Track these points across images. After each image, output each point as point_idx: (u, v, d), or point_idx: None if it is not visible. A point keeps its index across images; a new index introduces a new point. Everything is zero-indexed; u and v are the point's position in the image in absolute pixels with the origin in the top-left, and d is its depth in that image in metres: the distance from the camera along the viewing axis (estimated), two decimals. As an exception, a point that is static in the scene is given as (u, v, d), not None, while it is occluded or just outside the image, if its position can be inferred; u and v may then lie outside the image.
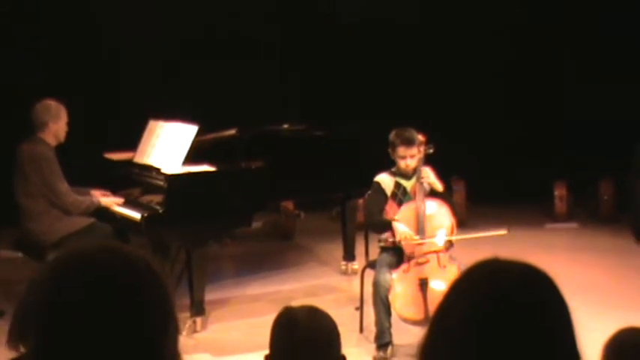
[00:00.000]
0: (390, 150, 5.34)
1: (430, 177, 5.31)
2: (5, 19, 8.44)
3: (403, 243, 5.11)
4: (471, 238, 5.22)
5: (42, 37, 8.61)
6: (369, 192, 5.46)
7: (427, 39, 9.37)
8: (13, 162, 5.84)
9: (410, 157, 5.27)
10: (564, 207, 8.95)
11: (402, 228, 5.15)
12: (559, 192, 8.95)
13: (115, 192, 6.15)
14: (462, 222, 8.12)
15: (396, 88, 9.16)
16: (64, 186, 5.76)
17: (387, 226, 5.26)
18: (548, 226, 8.84)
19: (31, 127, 5.82)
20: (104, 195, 6.05)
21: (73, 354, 1.27)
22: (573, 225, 8.85)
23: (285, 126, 6.90)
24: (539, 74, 9.64)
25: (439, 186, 5.35)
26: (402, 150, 5.27)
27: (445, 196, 5.40)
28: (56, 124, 5.82)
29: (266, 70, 9.06)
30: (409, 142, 5.26)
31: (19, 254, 6.21)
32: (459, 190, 8.69)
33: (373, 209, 5.40)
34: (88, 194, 5.98)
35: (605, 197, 8.88)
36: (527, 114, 9.63)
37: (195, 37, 8.88)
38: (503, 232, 5.14)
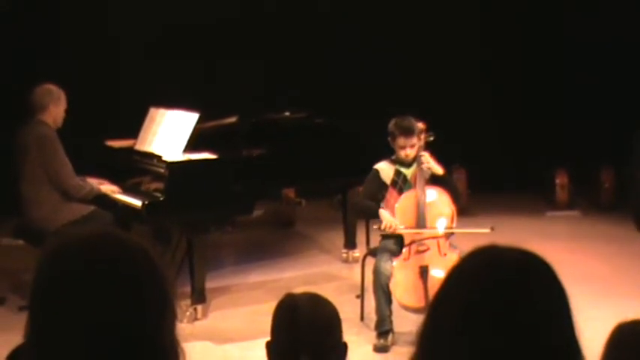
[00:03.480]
0: (389, 139, 5.34)
1: (430, 161, 5.30)
2: (6, 14, 8.44)
3: (389, 231, 5.15)
4: (457, 233, 5.25)
5: (42, 25, 8.59)
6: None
7: (426, 27, 9.34)
8: (15, 148, 5.85)
9: (410, 147, 5.26)
10: (565, 195, 8.95)
11: (388, 216, 5.18)
12: (560, 180, 8.94)
13: (119, 181, 6.14)
14: (463, 210, 8.11)
15: (397, 76, 9.14)
16: (67, 167, 5.77)
17: (373, 212, 5.29)
18: (549, 214, 8.84)
19: (30, 113, 5.83)
20: (100, 184, 6.05)
21: (70, 340, 1.27)
22: (574, 213, 8.85)
23: (287, 113, 6.90)
24: (539, 62, 9.62)
25: (439, 169, 5.32)
26: (401, 140, 5.27)
27: (446, 181, 5.39)
28: (57, 108, 5.83)
29: (267, 58, 9.05)
30: (409, 132, 5.25)
31: (21, 242, 6.22)
32: (460, 178, 8.68)
33: (362, 193, 5.42)
34: (84, 182, 5.97)
35: (606, 185, 8.88)
36: (528, 101, 9.62)
37: (197, 24, 8.85)
38: (486, 230, 5.05)
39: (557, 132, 9.30)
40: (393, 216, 5.22)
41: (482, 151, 9.33)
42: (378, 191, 5.38)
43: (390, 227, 5.14)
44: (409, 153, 5.28)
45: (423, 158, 5.27)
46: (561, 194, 8.96)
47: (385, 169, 5.40)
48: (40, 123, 5.79)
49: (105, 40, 8.72)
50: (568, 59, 9.48)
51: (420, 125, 5.35)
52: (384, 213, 5.22)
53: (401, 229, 5.16)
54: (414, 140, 5.27)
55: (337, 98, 8.52)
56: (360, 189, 5.60)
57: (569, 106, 9.38)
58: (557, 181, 8.95)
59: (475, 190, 8.83)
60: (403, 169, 5.36)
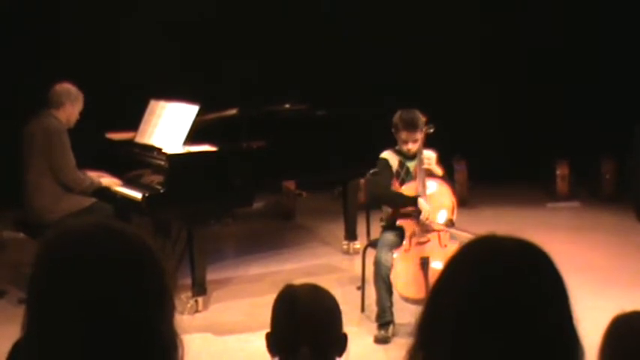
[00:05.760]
0: (393, 130, 5.32)
1: (432, 164, 5.28)
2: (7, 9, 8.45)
3: (423, 223, 5.09)
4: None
5: (41, 20, 8.58)
6: (376, 169, 5.39)
7: (427, 16, 9.33)
8: (23, 138, 5.87)
9: (412, 142, 5.23)
10: (566, 186, 8.95)
11: (427, 206, 5.11)
12: (561, 171, 8.94)
13: (119, 173, 6.15)
14: (464, 201, 8.12)
15: (397, 68, 9.13)
16: (70, 162, 5.82)
17: (409, 201, 5.16)
18: (550, 205, 8.84)
19: (45, 107, 5.87)
20: (100, 176, 6.06)
21: (68, 331, 1.27)
22: (575, 204, 8.85)
23: (287, 106, 6.89)
24: (541, 53, 9.61)
25: (439, 171, 5.33)
26: (404, 134, 5.24)
27: (444, 180, 5.39)
28: (72, 108, 5.93)
29: (266, 50, 9.04)
30: (412, 127, 5.21)
31: (21, 235, 6.23)
32: (461, 169, 8.68)
33: (385, 183, 5.30)
34: (85, 176, 5.99)
35: (607, 176, 8.88)
36: (529, 93, 9.61)
37: (197, 16, 8.84)
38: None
39: (558, 123, 9.30)
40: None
41: (483, 142, 9.33)
42: (392, 179, 5.35)
43: (428, 219, 5.10)
44: (411, 148, 5.25)
45: (425, 160, 5.25)
46: (562, 185, 8.96)
47: (391, 159, 5.37)
48: (51, 116, 5.88)
49: (105, 32, 8.71)
50: (569, 50, 9.46)
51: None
52: (423, 202, 5.12)
53: (436, 223, 5.12)
54: (417, 135, 5.23)
55: (337, 89, 8.51)
56: (363, 181, 5.49)
57: (569, 96, 9.37)
58: (558, 172, 8.95)
59: (476, 182, 8.83)
60: (407, 161, 5.35)
